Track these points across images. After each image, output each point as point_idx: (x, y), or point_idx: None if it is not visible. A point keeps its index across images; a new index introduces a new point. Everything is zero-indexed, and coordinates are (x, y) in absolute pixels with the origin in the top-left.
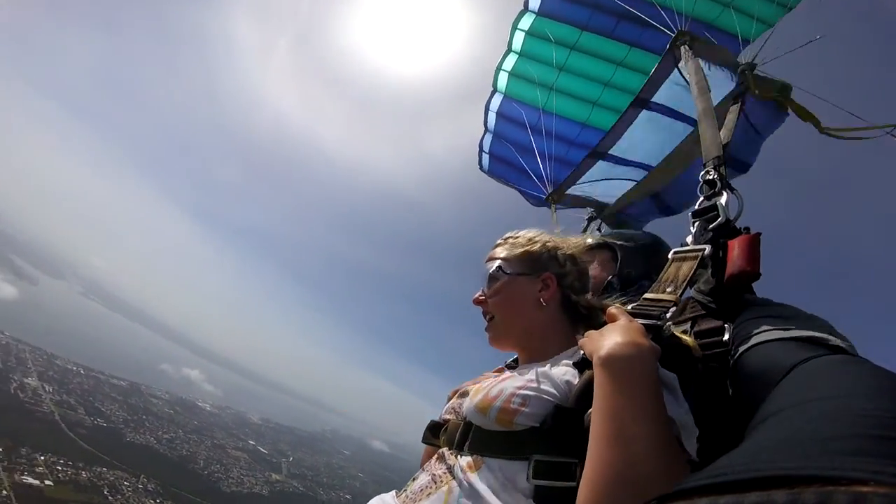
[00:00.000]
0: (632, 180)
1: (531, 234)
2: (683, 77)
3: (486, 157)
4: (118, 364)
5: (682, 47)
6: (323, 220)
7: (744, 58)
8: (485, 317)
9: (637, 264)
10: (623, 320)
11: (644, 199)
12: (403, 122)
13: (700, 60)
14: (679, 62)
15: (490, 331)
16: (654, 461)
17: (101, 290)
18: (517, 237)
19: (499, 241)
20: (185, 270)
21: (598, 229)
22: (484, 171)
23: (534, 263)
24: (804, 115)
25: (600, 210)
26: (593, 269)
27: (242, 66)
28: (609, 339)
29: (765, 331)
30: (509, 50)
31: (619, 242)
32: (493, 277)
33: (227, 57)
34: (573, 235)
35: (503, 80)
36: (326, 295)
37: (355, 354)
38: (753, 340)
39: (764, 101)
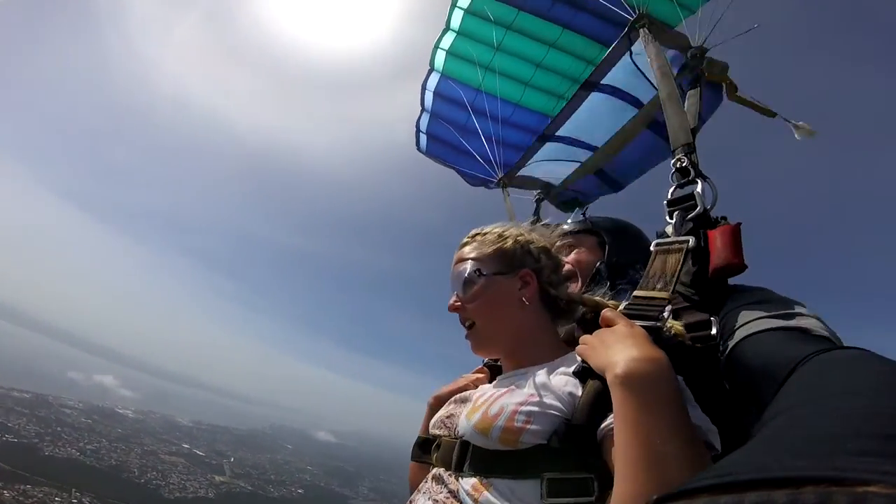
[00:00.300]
0: (576, 161)
1: (499, 229)
2: (633, 60)
3: (423, 138)
4: (17, 376)
5: (642, 30)
6: (235, 203)
7: (692, 42)
8: (463, 324)
9: (622, 251)
10: (623, 325)
11: (588, 176)
12: (328, 99)
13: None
14: (633, 45)
15: (472, 339)
16: (689, 478)
17: None
18: (485, 234)
19: (465, 240)
20: (79, 268)
21: (584, 214)
22: (421, 152)
23: (509, 261)
24: (732, 94)
25: (547, 191)
26: (579, 254)
27: (137, 42)
28: (621, 352)
29: (755, 319)
30: (447, 28)
31: (604, 227)
32: (468, 281)
33: (120, 32)
34: (536, 225)
35: (440, 58)
36: (245, 282)
37: (286, 344)
38: (747, 330)
39: (707, 85)
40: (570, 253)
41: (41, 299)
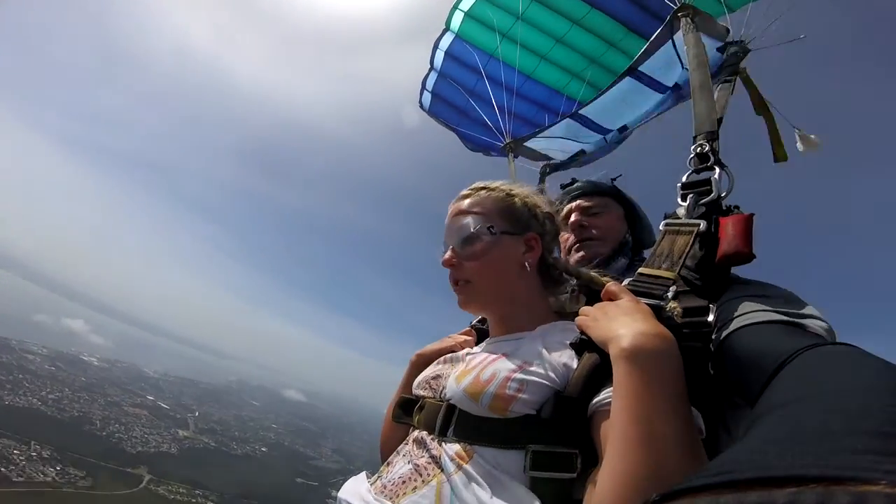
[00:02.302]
0: (583, 142)
1: (507, 187)
2: (675, 50)
3: (427, 96)
4: None
5: (684, 19)
6: (228, 152)
7: (733, 36)
8: (455, 283)
9: (642, 230)
10: (628, 300)
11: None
12: (331, 56)
13: (701, 35)
14: (675, 33)
15: (464, 294)
16: (686, 462)
17: None
18: (492, 188)
19: (467, 192)
20: (57, 206)
21: (613, 180)
22: (424, 110)
23: (517, 221)
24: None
25: (554, 167)
26: (610, 219)
27: None
28: (628, 325)
29: (753, 311)
30: None
31: (631, 202)
32: (472, 237)
33: None
34: (542, 193)
35: (458, 19)
36: (230, 232)
37: (262, 298)
38: (744, 321)
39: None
40: (591, 213)
41: (15, 236)
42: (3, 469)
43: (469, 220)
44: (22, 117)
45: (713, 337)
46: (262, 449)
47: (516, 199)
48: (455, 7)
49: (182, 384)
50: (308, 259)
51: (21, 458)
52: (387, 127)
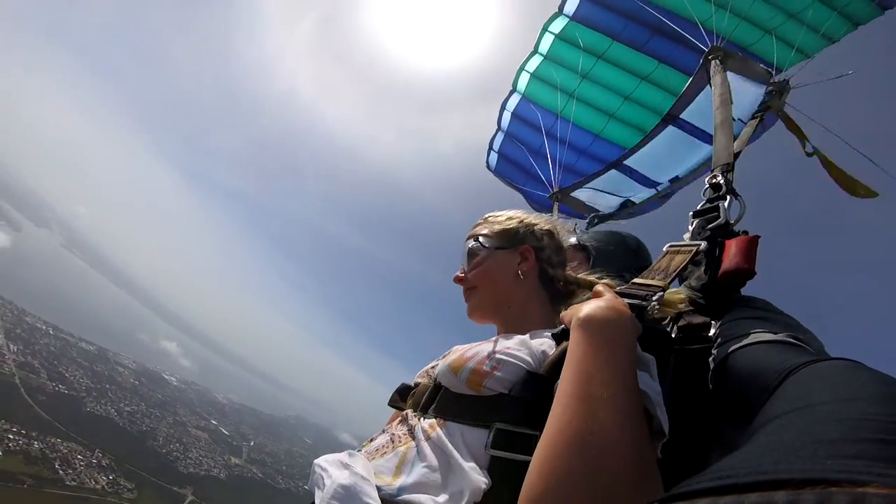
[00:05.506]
0: (625, 196)
1: (510, 213)
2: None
3: (494, 156)
4: (91, 327)
5: (714, 61)
6: (317, 197)
7: (777, 78)
8: (464, 293)
9: (606, 264)
10: (609, 294)
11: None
12: (412, 112)
13: (730, 74)
14: (711, 78)
15: (471, 300)
16: (618, 431)
17: (84, 244)
18: (497, 216)
19: (479, 221)
20: (170, 233)
21: (574, 228)
22: (490, 170)
23: (511, 238)
24: (794, 129)
25: (603, 218)
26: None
27: (264, 36)
28: (591, 304)
29: (757, 331)
30: (535, 51)
31: (592, 244)
32: (472, 253)
33: (250, 24)
34: (550, 217)
35: (524, 80)
36: (311, 273)
37: (333, 340)
38: (746, 340)
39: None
40: None
41: (130, 256)
42: (60, 471)
43: (471, 240)
44: (150, 146)
45: (714, 353)
46: (305, 487)
47: (514, 221)
48: (521, 68)
49: (245, 412)
50: (378, 307)
51: (82, 463)
52: (460, 184)
